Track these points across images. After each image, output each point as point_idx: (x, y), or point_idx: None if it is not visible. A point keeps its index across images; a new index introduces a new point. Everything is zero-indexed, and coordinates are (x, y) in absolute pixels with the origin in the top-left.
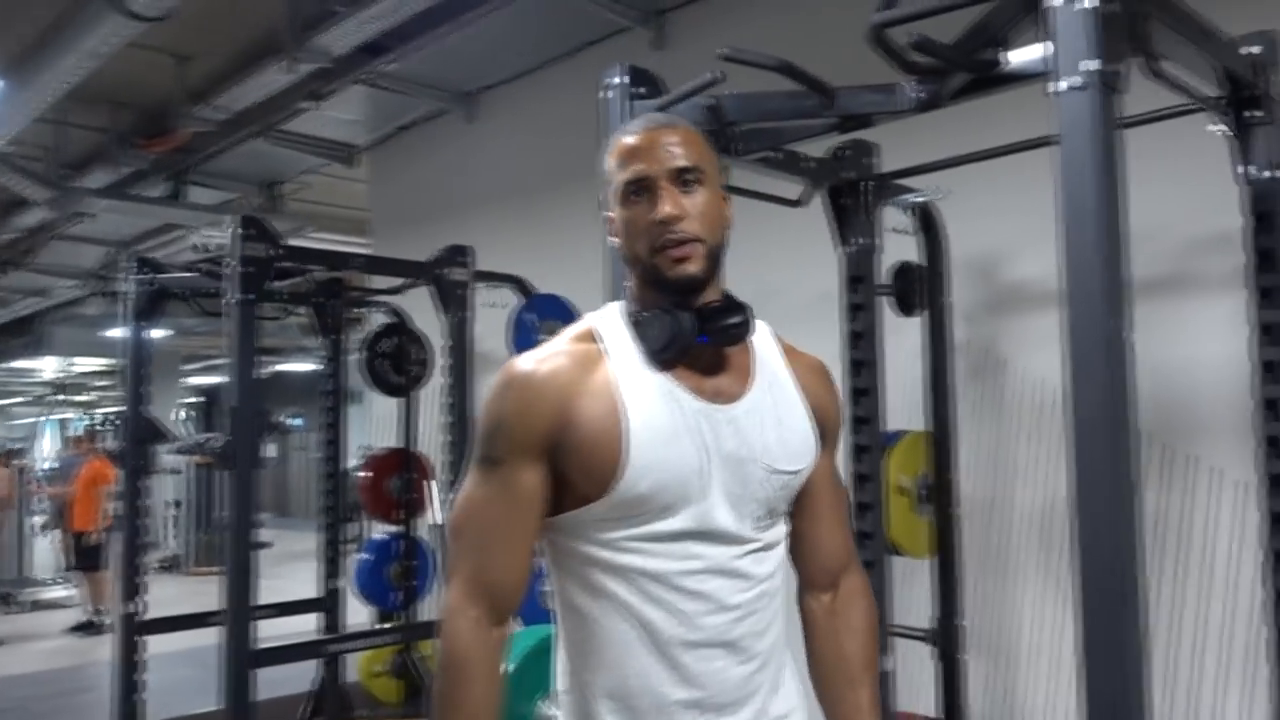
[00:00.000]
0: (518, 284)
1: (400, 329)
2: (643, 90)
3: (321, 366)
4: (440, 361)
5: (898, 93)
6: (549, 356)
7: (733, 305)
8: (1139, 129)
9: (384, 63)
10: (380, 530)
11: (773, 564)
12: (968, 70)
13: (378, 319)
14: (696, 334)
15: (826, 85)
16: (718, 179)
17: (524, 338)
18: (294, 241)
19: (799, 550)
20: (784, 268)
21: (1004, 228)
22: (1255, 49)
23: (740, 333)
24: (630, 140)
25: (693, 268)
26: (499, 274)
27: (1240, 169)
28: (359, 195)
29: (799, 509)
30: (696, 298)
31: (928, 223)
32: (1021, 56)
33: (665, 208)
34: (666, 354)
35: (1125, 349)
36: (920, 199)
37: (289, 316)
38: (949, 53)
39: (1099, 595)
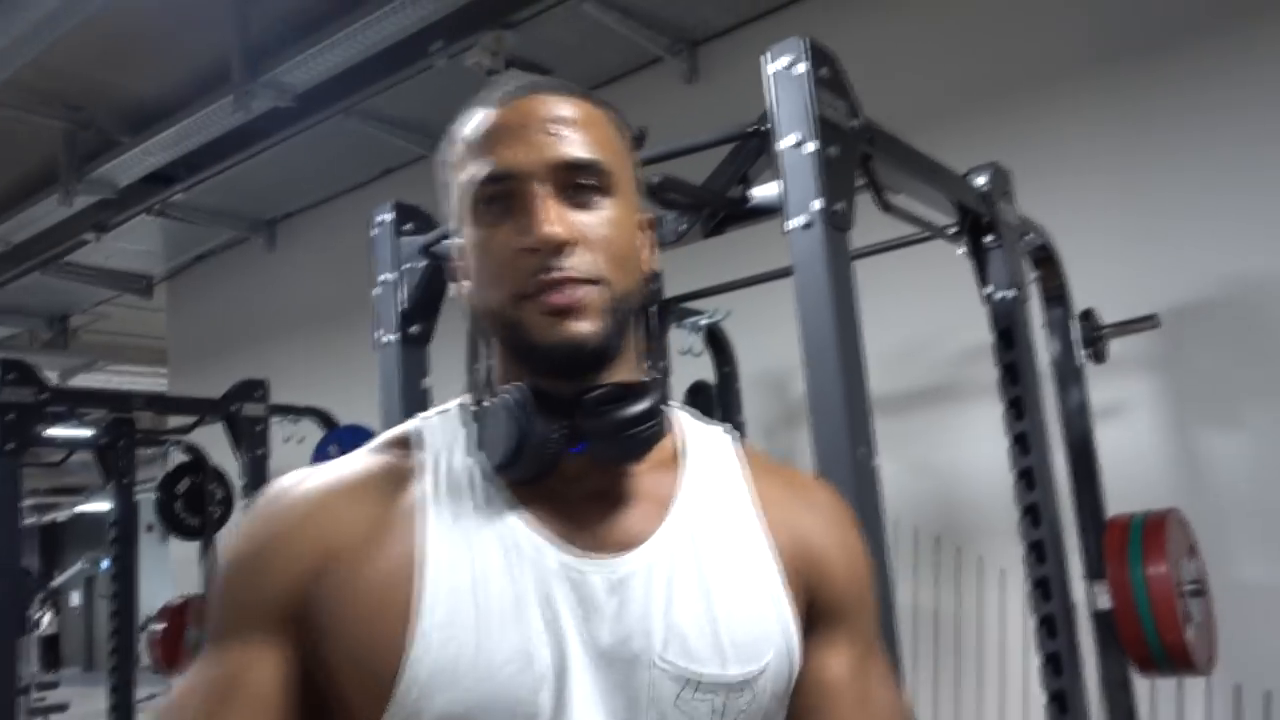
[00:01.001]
0: (319, 416)
1: (198, 467)
2: (410, 226)
3: (109, 509)
4: (241, 501)
5: (662, 225)
6: (324, 471)
7: (632, 390)
8: (913, 247)
9: (173, 193)
10: None
11: None
12: (713, 207)
13: (177, 456)
14: (564, 439)
15: None
16: (634, 187)
17: None
18: (89, 376)
19: None
20: None
21: (793, 342)
22: (982, 180)
23: (640, 437)
24: (491, 113)
25: (583, 327)
26: (298, 407)
27: (982, 290)
28: (162, 325)
29: None
30: (590, 379)
31: (717, 343)
32: (764, 193)
33: (541, 225)
34: (513, 471)
35: (870, 474)
36: (706, 321)
37: (69, 459)
38: (694, 192)
39: None
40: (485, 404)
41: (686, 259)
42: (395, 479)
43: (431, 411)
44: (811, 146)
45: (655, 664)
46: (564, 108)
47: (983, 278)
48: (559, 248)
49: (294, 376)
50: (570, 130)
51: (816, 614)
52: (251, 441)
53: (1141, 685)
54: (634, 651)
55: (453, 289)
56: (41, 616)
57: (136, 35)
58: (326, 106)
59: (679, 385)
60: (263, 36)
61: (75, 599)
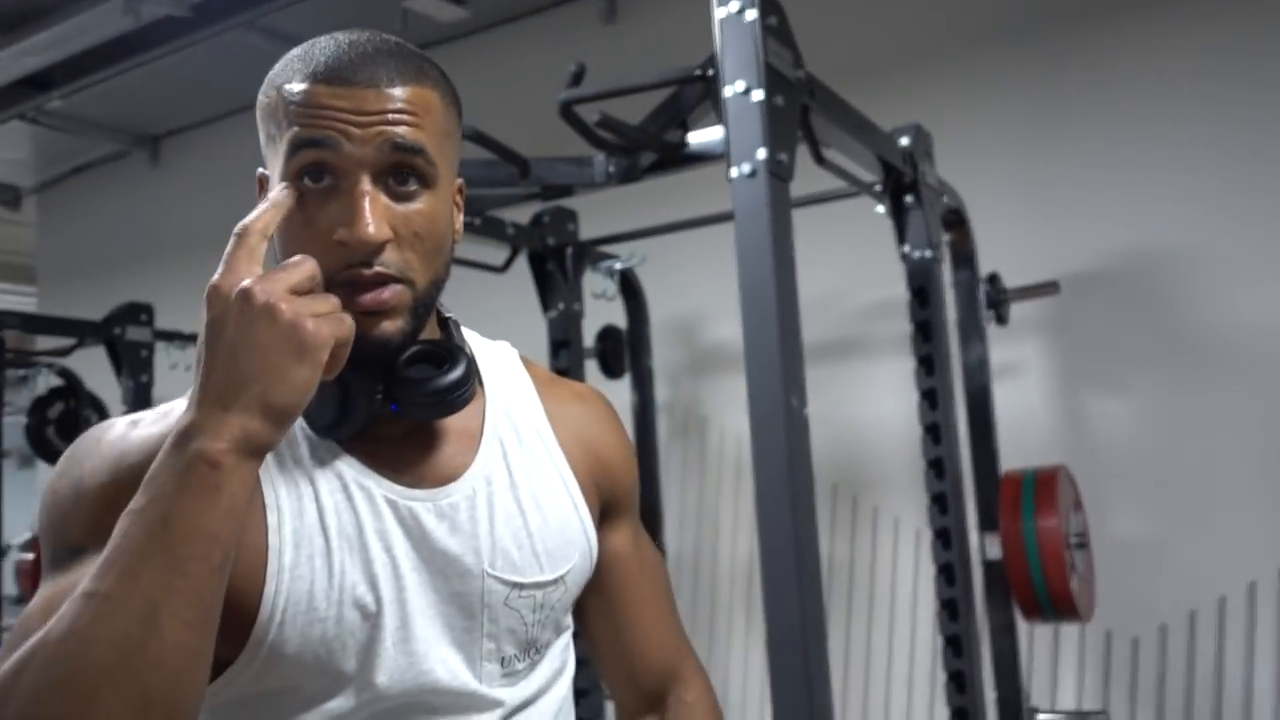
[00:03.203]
0: None
1: (73, 392)
2: None
3: None
4: None
5: (593, 166)
6: (157, 418)
7: (442, 351)
8: (827, 204)
9: (49, 99)
10: None
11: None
12: (651, 149)
13: (49, 380)
14: (381, 403)
15: (520, 155)
16: (453, 165)
17: None
18: None
19: (604, 665)
20: (490, 334)
21: (702, 291)
22: (905, 140)
23: (455, 402)
24: (318, 77)
25: (389, 327)
26: (186, 333)
27: (900, 248)
28: (28, 239)
29: (592, 609)
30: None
31: (629, 288)
32: (703, 138)
33: (360, 225)
34: (334, 434)
35: (801, 422)
36: (621, 265)
37: None
38: (633, 132)
39: (786, 657)
40: None
41: (604, 201)
42: None
43: None
44: (759, 95)
45: (486, 574)
46: (399, 90)
47: (901, 236)
48: (373, 246)
49: (178, 300)
50: (400, 114)
51: (606, 506)
52: (135, 367)
53: (1021, 630)
54: (466, 566)
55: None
56: None
57: None
58: (226, 18)
59: (589, 327)
60: None
61: None
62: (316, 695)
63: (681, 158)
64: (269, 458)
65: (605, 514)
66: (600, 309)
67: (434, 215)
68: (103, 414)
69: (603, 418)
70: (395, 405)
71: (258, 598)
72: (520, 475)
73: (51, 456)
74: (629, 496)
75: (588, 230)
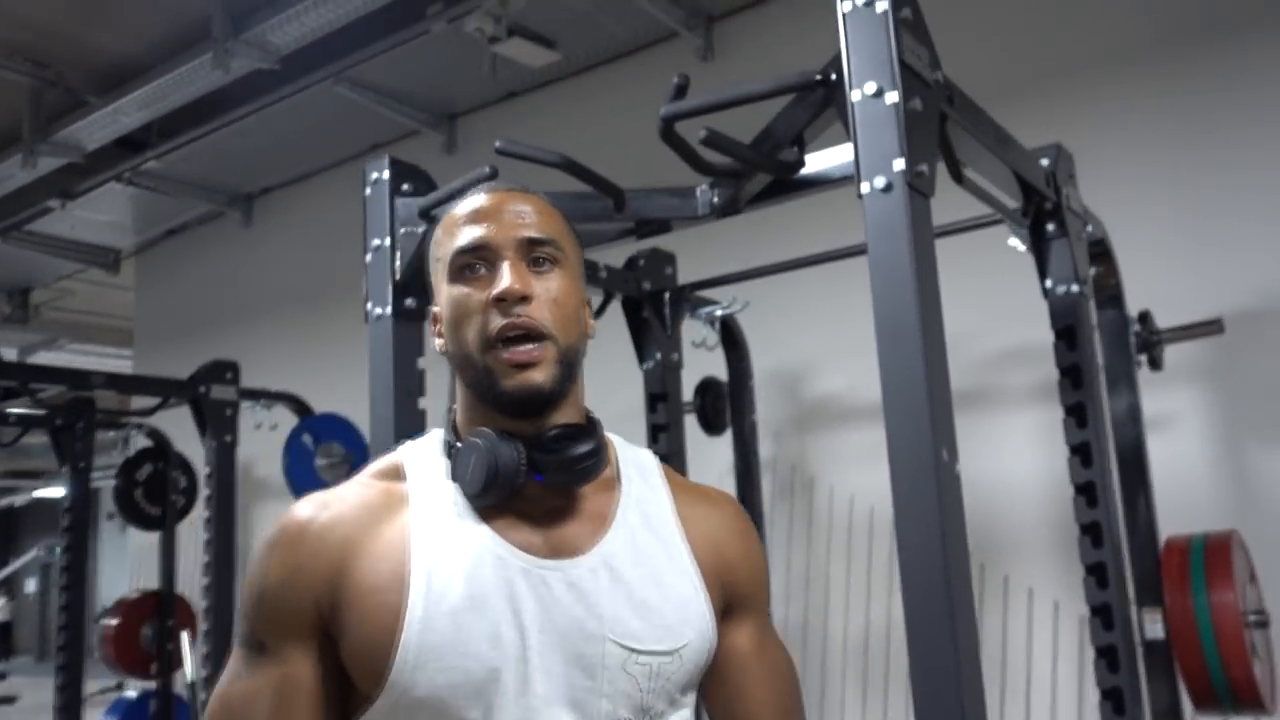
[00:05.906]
0: (293, 402)
1: (161, 453)
2: (408, 187)
3: (63, 495)
4: (205, 491)
5: (695, 197)
6: (332, 501)
7: (580, 431)
8: (947, 238)
9: (144, 160)
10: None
11: None
12: (765, 170)
13: (138, 441)
14: (526, 470)
15: (614, 186)
16: (579, 271)
17: (299, 462)
18: (50, 355)
19: None
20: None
21: (809, 340)
22: (1045, 161)
23: (587, 469)
24: (469, 204)
25: (538, 376)
26: (271, 392)
27: (1043, 283)
28: (129, 304)
29: (714, 697)
30: (541, 420)
31: (730, 336)
32: (822, 158)
33: (507, 281)
34: (485, 499)
35: (953, 480)
36: (722, 311)
37: (21, 439)
38: (746, 152)
39: None
40: (458, 444)
41: (703, 242)
42: (391, 504)
43: (412, 444)
44: (893, 97)
45: (607, 639)
46: (527, 203)
47: (1043, 270)
48: (521, 299)
49: (267, 361)
50: (532, 216)
51: (729, 603)
52: (219, 426)
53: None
54: (589, 631)
55: (436, 345)
56: None
57: None
58: (313, 71)
59: (688, 379)
60: None
61: (31, 586)
62: None
63: (795, 182)
64: (419, 518)
65: (729, 612)
66: (699, 359)
67: (568, 290)
68: (191, 476)
69: (731, 522)
70: (539, 476)
71: (391, 647)
72: (645, 556)
73: (140, 520)
74: (753, 598)
75: (686, 273)
